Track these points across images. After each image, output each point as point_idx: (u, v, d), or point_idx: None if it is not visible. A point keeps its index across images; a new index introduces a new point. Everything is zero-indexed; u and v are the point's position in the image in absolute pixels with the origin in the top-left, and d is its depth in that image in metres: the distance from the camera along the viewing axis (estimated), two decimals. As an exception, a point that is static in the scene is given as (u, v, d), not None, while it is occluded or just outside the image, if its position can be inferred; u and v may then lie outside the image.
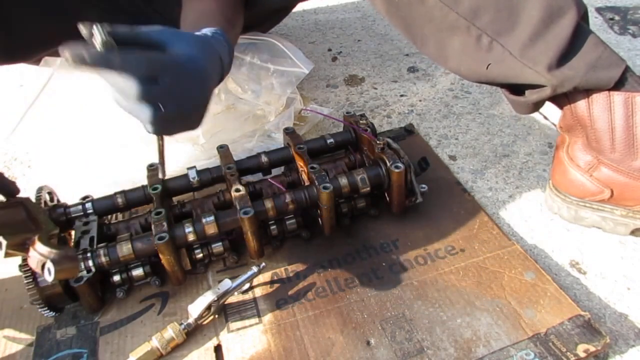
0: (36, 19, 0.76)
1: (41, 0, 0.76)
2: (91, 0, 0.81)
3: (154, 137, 0.56)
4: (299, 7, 1.11)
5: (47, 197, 0.68)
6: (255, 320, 0.60)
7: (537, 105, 0.69)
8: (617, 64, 0.61)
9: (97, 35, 0.44)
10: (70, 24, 0.79)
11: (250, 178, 0.74)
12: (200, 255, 0.65)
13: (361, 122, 0.75)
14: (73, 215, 0.67)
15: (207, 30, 0.59)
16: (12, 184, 0.55)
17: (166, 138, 0.55)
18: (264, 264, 0.63)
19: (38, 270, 0.50)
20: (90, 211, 0.68)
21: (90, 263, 0.60)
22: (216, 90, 0.82)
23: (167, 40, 0.50)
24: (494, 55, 0.64)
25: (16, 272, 0.61)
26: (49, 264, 0.50)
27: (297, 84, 0.89)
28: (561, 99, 0.67)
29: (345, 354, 0.55)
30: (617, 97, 0.62)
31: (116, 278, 0.63)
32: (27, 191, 0.62)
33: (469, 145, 0.88)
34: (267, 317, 0.60)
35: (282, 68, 0.89)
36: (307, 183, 0.68)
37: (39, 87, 0.81)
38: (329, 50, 1.21)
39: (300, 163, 0.70)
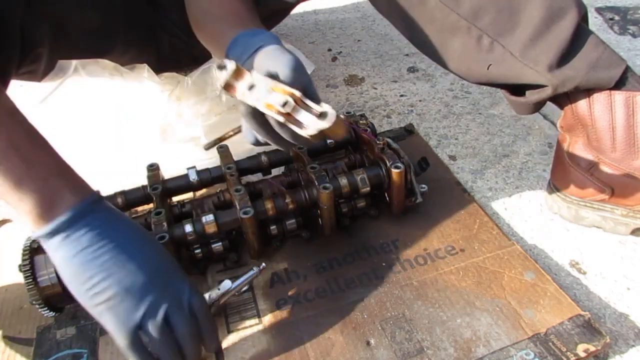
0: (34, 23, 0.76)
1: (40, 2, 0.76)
2: (90, 0, 0.81)
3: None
4: (299, 7, 1.11)
5: None
6: (255, 320, 0.60)
7: (537, 106, 0.69)
8: (618, 64, 0.62)
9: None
10: (70, 24, 0.79)
11: (250, 178, 0.74)
12: (200, 255, 0.65)
13: (361, 122, 0.75)
14: (73, 215, 0.67)
15: (266, 36, 0.58)
16: None
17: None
18: (264, 264, 0.62)
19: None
20: (90, 211, 0.67)
21: (90, 263, 0.60)
22: (217, 92, 0.82)
23: None
24: (495, 55, 0.64)
25: (16, 273, 0.61)
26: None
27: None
28: (562, 99, 0.67)
29: (345, 354, 0.55)
30: (618, 96, 0.62)
31: (116, 278, 0.63)
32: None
33: (469, 145, 0.88)
34: (267, 317, 0.60)
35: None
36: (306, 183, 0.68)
37: (43, 90, 0.81)
38: (329, 50, 1.21)
39: (299, 163, 0.70)
